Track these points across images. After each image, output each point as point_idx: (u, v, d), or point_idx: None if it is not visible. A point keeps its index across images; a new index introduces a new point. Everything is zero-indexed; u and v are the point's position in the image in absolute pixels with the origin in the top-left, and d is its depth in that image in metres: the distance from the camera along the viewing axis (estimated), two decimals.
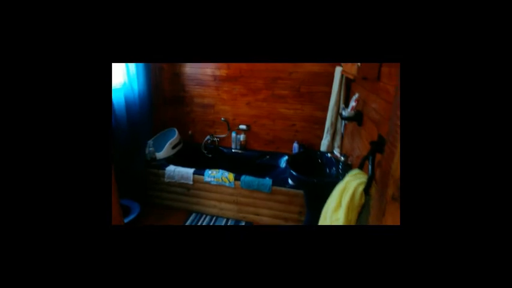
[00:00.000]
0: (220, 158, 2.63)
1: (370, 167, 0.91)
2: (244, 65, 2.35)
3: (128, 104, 2.00)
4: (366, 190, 0.91)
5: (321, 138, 2.17)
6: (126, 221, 1.65)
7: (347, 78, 1.77)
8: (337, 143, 1.92)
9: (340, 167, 1.52)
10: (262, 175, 2.09)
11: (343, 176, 1.39)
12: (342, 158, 1.52)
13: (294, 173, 1.47)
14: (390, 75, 0.98)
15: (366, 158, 1.00)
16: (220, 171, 2.09)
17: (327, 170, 1.65)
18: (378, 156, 0.95)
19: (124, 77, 1.97)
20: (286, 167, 2.21)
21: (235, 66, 2.38)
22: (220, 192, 2.12)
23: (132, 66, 2.02)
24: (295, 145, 2.44)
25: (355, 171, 1.03)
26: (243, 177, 2.03)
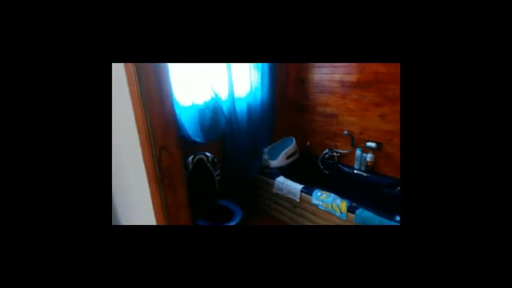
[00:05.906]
0: (337, 176, 2.27)
1: None
2: (382, 67, 1.84)
3: (250, 112, 2.08)
4: None
5: None
6: (223, 225, 1.72)
7: None
8: None
9: None
10: (387, 211, 1.57)
11: None
12: None
13: None
14: None
15: None
16: (332, 195, 1.76)
17: None
18: None
19: (250, 85, 2.06)
20: None
21: (370, 69, 1.91)
22: (329, 220, 1.80)
23: (256, 73, 2.08)
24: None
25: None
26: (359, 211, 1.60)
